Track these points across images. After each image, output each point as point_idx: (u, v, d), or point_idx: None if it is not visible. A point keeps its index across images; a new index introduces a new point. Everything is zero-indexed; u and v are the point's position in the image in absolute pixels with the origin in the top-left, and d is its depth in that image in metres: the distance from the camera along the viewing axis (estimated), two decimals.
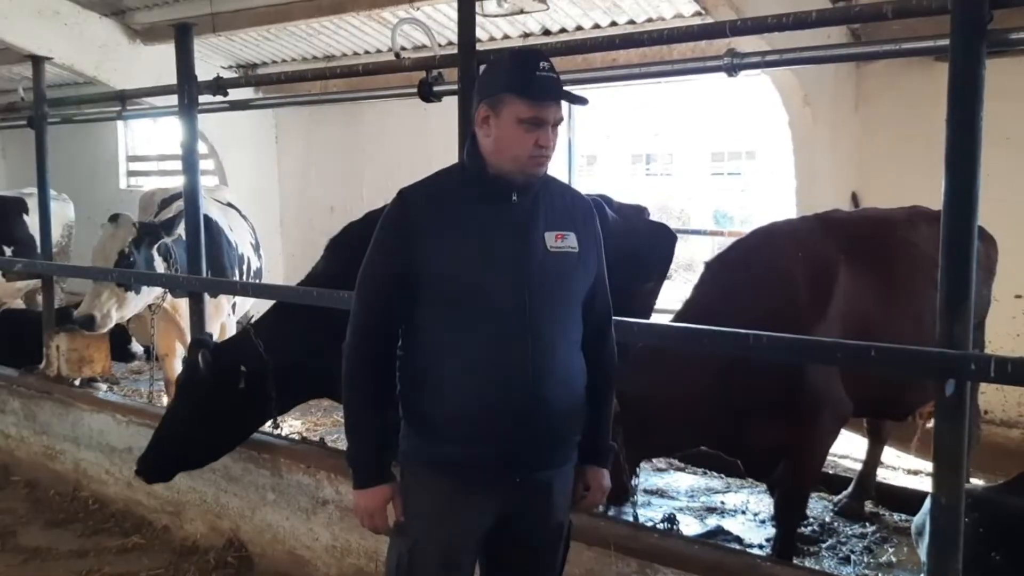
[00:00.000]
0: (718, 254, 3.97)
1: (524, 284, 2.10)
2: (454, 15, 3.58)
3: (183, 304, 5.52)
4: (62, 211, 8.12)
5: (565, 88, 2.13)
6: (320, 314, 3.56)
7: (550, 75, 2.07)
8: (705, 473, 5.23)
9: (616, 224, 4.46)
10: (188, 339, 5.69)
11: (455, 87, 3.58)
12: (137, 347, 6.54)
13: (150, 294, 5.43)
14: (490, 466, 2.13)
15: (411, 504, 2.21)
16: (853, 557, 4.07)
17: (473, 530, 2.20)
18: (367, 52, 8.71)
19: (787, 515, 3.59)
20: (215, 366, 3.51)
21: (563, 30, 7.40)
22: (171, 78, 4.57)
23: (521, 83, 2.06)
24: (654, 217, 5.31)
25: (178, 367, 5.89)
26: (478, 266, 2.10)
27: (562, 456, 2.24)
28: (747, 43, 4.32)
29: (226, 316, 6.02)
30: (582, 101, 2.13)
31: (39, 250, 6.17)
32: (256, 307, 7.13)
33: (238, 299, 6.14)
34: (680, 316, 3.56)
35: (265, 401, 3.65)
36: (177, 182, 7.30)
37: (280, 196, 10.46)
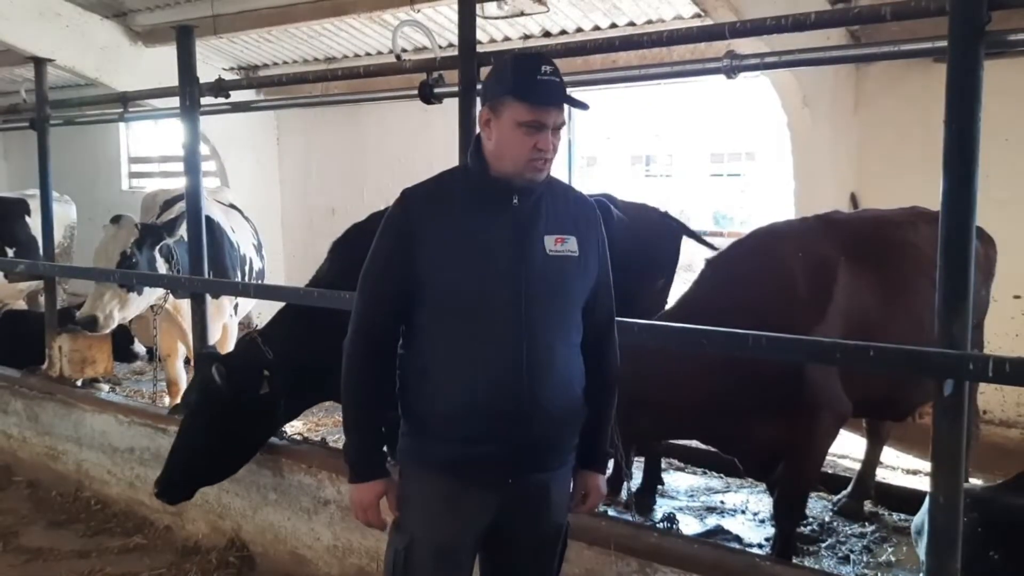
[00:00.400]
0: (719, 252, 3.98)
1: (521, 286, 2.11)
2: (455, 17, 3.60)
3: (185, 305, 5.54)
4: (64, 212, 8.14)
5: (567, 92, 2.12)
6: (328, 318, 3.53)
7: (552, 79, 2.07)
8: (705, 473, 5.24)
9: (621, 223, 4.48)
10: (190, 339, 5.72)
11: (455, 89, 3.59)
12: (139, 347, 6.56)
13: (152, 295, 5.45)
14: (485, 466, 2.15)
15: (408, 502, 2.23)
16: (852, 556, 4.08)
17: (468, 529, 2.21)
18: (368, 54, 8.74)
19: (786, 514, 3.60)
20: (232, 377, 3.47)
21: (563, 32, 7.42)
22: (172, 80, 4.58)
23: (521, 86, 2.06)
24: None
25: (180, 367, 5.94)
26: (475, 268, 2.11)
27: (558, 459, 2.25)
28: (746, 45, 4.34)
29: (228, 317, 6.04)
30: (582, 106, 2.13)
31: (41, 251, 6.19)
32: (258, 308, 7.16)
33: (240, 300, 6.15)
34: (677, 309, 3.57)
35: (278, 408, 3.64)
36: (179, 183, 7.33)
37: (281, 198, 10.48)
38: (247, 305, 6.65)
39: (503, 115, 2.09)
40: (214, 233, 5.64)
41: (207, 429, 3.51)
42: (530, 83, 2.06)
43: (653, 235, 4.87)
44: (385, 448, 2.35)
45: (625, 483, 4.44)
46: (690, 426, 3.66)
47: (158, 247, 5.36)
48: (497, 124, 2.11)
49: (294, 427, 5.94)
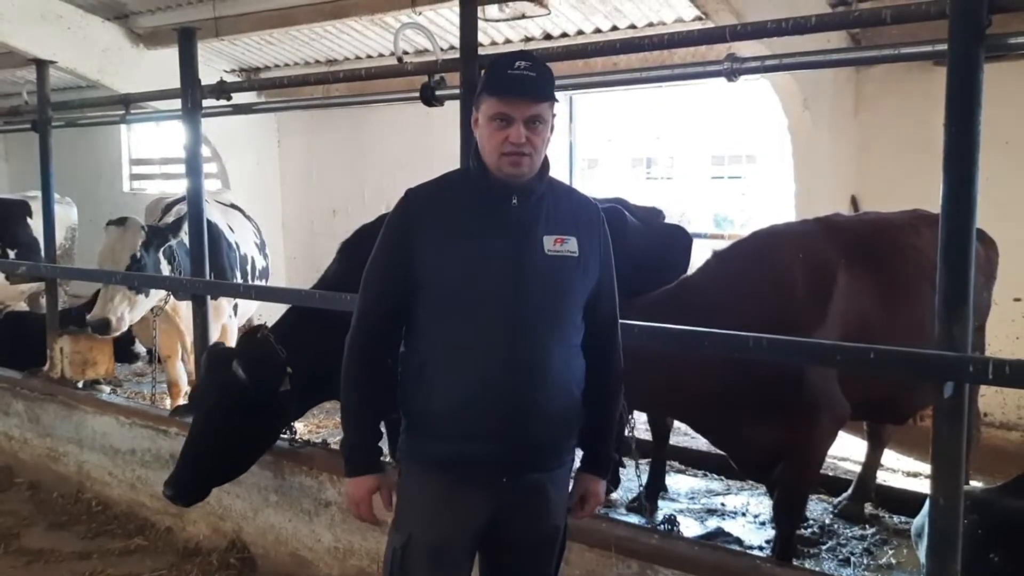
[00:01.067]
0: (724, 248, 3.98)
1: (518, 287, 2.12)
2: (456, 19, 3.61)
3: (183, 307, 5.56)
4: (65, 214, 8.15)
5: (547, 86, 2.11)
6: (337, 316, 3.53)
7: (524, 73, 2.08)
8: (705, 475, 5.25)
9: (634, 228, 4.50)
10: (188, 341, 5.73)
11: (457, 91, 3.60)
12: (140, 347, 6.57)
13: (156, 297, 5.46)
14: (480, 465, 2.15)
15: (406, 500, 2.24)
16: (853, 559, 4.09)
17: (464, 528, 2.21)
18: (369, 56, 8.74)
19: (786, 516, 3.60)
20: (253, 372, 3.42)
21: (564, 34, 7.43)
22: (174, 82, 4.59)
23: (493, 81, 2.11)
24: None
25: (180, 368, 5.94)
26: (472, 267, 2.12)
27: (556, 460, 2.25)
28: (747, 47, 4.35)
29: (227, 318, 6.03)
30: (550, 98, 2.12)
31: (42, 253, 6.20)
32: (260, 310, 7.16)
33: (241, 301, 6.15)
34: (676, 289, 3.57)
35: (290, 407, 3.63)
36: (180, 185, 7.33)
37: (282, 199, 10.49)
38: (250, 307, 6.65)
39: (481, 111, 2.14)
40: (212, 234, 5.63)
41: (226, 424, 3.42)
42: (501, 77, 2.09)
43: (666, 238, 4.90)
44: (386, 447, 2.36)
45: (637, 485, 4.47)
46: (685, 414, 3.66)
47: (162, 249, 5.37)
48: (479, 121, 2.16)
49: (295, 429, 5.93)
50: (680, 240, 5.00)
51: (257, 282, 6.41)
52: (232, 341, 5.91)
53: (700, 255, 3.84)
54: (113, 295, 5.17)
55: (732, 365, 3.13)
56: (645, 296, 3.42)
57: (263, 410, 3.49)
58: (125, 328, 5.34)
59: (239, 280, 6.09)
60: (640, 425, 4.80)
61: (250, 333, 3.73)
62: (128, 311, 5.24)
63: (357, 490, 2.26)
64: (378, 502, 2.28)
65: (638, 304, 3.24)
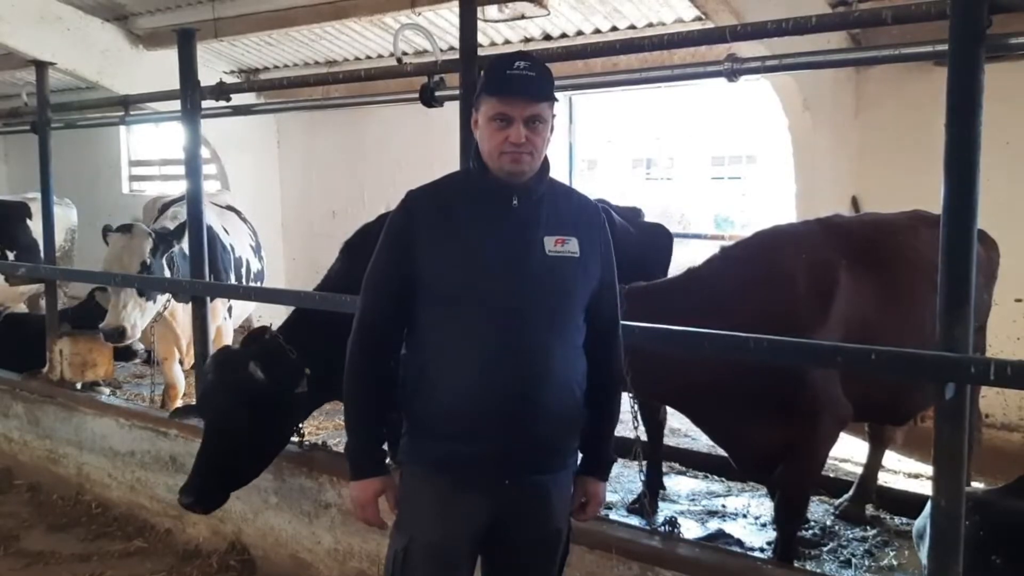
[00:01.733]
0: (729, 245, 3.97)
1: (519, 287, 2.12)
2: (455, 20, 3.61)
3: (179, 310, 5.56)
4: (65, 216, 8.16)
5: (546, 86, 2.11)
6: (344, 317, 3.50)
7: (523, 73, 2.08)
8: (706, 477, 5.24)
9: (621, 227, 4.50)
10: (183, 343, 5.73)
11: (456, 92, 3.60)
12: (138, 345, 6.56)
13: (162, 301, 5.45)
14: (481, 467, 2.15)
15: (407, 502, 2.24)
16: (854, 560, 4.08)
17: (466, 530, 2.20)
18: (369, 57, 8.74)
19: (787, 518, 3.59)
20: (272, 374, 3.37)
21: (564, 35, 7.43)
22: (173, 83, 4.59)
23: (492, 82, 2.11)
24: (655, 219, 5.34)
25: (178, 370, 5.94)
26: (473, 268, 2.12)
27: (559, 461, 2.25)
28: (747, 48, 4.35)
29: (222, 320, 6.03)
30: (549, 97, 2.12)
31: (42, 254, 6.20)
32: (259, 311, 7.16)
33: (238, 303, 6.14)
34: (683, 282, 3.57)
35: (302, 406, 3.61)
36: (179, 187, 7.32)
37: (282, 200, 10.49)
38: (247, 308, 6.64)
39: (480, 111, 2.14)
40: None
41: (244, 426, 3.34)
42: (500, 78, 2.10)
43: (648, 237, 4.90)
44: (386, 448, 2.35)
45: (641, 483, 4.46)
46: (685, 406, 3.66)
47: (166, 255, 5.36)
48: (478, 122, 2.16)
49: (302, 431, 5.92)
50: (661, 239, 5.01)
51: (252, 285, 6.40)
52: (228, 343, 5.90)
53: (700, 256, 3.82)
54: (126, 302, 5.12)
55: (732, 361, 3.12)
56: (649, 283, 3.40)
57: (277, 411, 3.46)
58: (138, 336, 5.32)
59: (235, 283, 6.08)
60: None
61: (255, 334, 3.69)
62: (140, 317, 5.22)
63: (363, 493, 2.25)
64: (384, 505, 2.27)
65: (641, 290, 3.24)
